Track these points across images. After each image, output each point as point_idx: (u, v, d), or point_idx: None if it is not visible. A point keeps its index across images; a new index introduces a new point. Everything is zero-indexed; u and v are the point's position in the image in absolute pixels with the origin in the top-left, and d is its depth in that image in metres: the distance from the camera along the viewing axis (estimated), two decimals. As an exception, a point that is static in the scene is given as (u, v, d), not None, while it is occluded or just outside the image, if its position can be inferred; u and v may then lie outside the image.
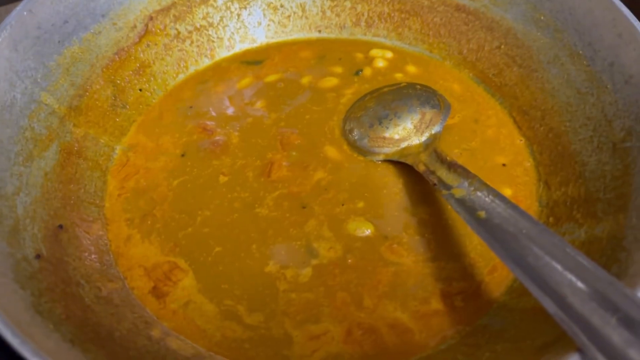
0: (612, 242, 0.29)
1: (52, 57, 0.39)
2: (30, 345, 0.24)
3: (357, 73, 0.45)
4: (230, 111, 0.43)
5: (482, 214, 0.30)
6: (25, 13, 0.37)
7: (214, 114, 0.43)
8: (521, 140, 0.40)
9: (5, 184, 0.32)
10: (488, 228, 0.29)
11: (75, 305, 0.30)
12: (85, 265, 0.33)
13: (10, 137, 0.34)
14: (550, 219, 0.35)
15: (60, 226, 0.34)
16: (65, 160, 0.37)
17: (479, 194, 0.31)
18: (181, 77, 0.46)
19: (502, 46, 0.43)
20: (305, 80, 0.44)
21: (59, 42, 0.39)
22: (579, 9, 0.38)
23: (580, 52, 0.38)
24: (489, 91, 0.43)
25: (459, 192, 0.32)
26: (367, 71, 0.45)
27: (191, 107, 0.43)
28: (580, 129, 0.37)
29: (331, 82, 0.44)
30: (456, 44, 0.45)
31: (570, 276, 0.24)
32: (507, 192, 0.37)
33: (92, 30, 0.41)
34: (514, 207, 0.29)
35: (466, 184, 0.32)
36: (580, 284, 0.23)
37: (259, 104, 0.43)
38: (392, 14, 0.47)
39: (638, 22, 0.35)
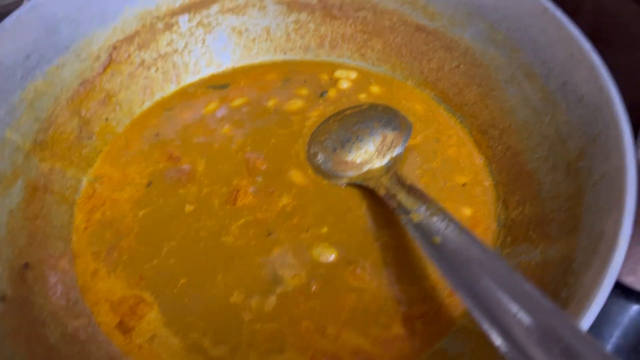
0: (564, 264, 0.30)
1: (16, 92, 0.39)
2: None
3: (322, 95, 0.46)
4: (196, 138, 0.43)
5: (437, 239, 0.30)
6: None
7: (179, 142, 0.43)
8: (481, 159, 0.41)
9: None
10: (442, 254, 0.30)
11: (39, 346, 0.30)
12: (52, 303, 0.34)
13: (-28, 178, 0.35)
14: (508, 239, 0.36)
15: (26, 265, 0.34)
16: (31, 196, 0.38)
17: (434, 218, 0.32)
18: (147, 104, 0.46)
19: (462, 66, 0.43)
20: (271, 103, 0.45)
21: (21, 77, 0.39)
22: (534, 28, 0.39)
23: (536, 71, 0.38)
24: (449, 110, 0.44)
25: (416, 217, 0.33)
26: (332, 92, 0.46)
27: (157, 134, 0.44)
28: (537, 148, 0.37)
29: (296, 104, 0.45)
30: (417, 63, 0.46)
31: (517, 307, 0.25)
32: (467, 211, 0.38)
33: (55, 64, 0.41)
34: (467, 233, 0.30)
35: (423, 208, 0.33)
36: (525, 316, 0.24)
37: (225, 129, 0.44)
38: (355, 35, 0.48)
39: (587, 42, 0.35)
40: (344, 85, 0.46)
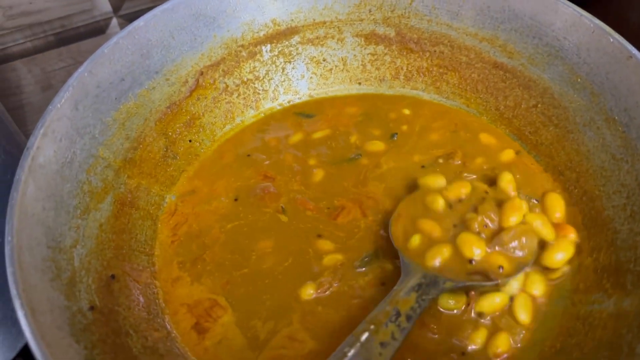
0: (639, 318, 0.30)
1: (110, 113, 0.42)
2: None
3: (392, 137, 0.47)
4: (282, 162, 0.46)
5: None
6: (86, 74, 0.40)
7: (268, 162, 0.45)
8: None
9: (65, 237, 0.35)
10: None
11: (124, 355, 0.32)
12: (134, 314, 0.36)
13: (70, 192, 0.37)
14: (580, 285, 0.36)
15: (113, 276, 0.37)
16: (119, 211, 0.40)
17: None
18: (227, 127, 0.49)
19: (539, 105, 0.43)
20: (352, 139, 0.47)
21: (115, 98, 0.42)
22: (616, 75, 0.38)
23: (616, 117, 0.38)
24: (525, 148, 0.44)
25: None
26: (403, 130, 0.47)
27: (248, 155, 0.46)
28: (614, 195, 0.37)
29: (375, 145, 0.46)
30: (493, 100, 0.46)
31: None
32: (540, 254, 0.38)
33: (146, 87, 0.44)
34: None
35: None
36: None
37: (310, 161, 0.46)
38: (431, 69, 0.49)
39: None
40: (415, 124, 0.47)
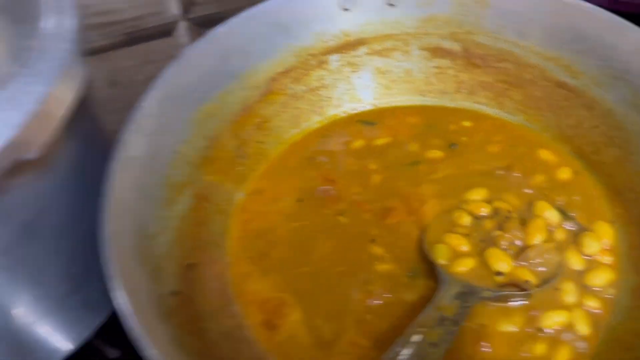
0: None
1: (190, 113, 0.44)
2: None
3: (452, 146, 0.48)
4: (343, 166, 0.48)
5: None
6: (171, 76, 0.43)
7: (330, 166, 0.48)
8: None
9: (151, 226, 0.38)
10: None
11: (204, 339, 0.35)
12: (210, 302, 0.38)
13: (155, 184, 0.40)
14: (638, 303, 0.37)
15: (190, 265, 0.40)
16: (197, 205, 0.43)
17: None
18: (294, 131, 0.51)
19: (601, 126, 0.45)
20: (412, 147, 0.49)
21: (196, 100, 0.45)
22: (681, 100, 0.39)
23: (680, 143, 0.39)
24: (584, 167, 0.45)
25: None
26: (463, 141, 0.49)
27: (312, 158, 0.49)
28: (674, 217, 0.38)
29: (435, 154, 0.48)
30: (555, 118, 0.48)
31: None
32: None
33: (224, 90, 0.47)
34: None
35: None
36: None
37: (371, 165, 0.48)
38: (494, 84, 0.50)
39: None
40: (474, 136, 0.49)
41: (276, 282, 0.41)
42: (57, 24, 0.33)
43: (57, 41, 0.32)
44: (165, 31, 0.71)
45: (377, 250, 0.42)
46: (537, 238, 0.40)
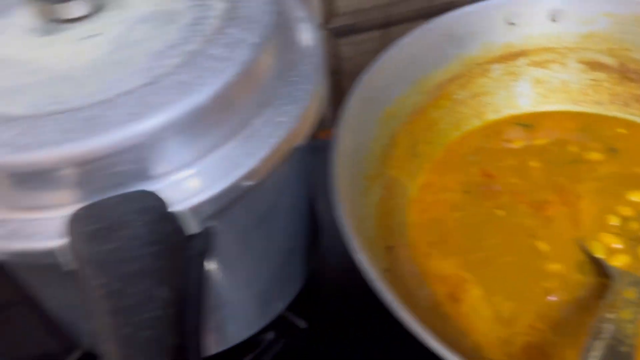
0: None
1: (378, 113, 0.50)
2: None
3: (612, 150, 0.52)
4: (503, 163, 0.53)
5: None
6: (366, 80, 0.49)
7: (490, 163, 0.53)
8: None
9: (360, 212, 0.44)
10: None
11: (416, 309, 0.40)
12: (407, 280, 0.44)
13: (358, 175, 0.46)
14: None
15: (389, 247, 0.45)
16: (384, 195, 0.49)
17: None
18: (456, 133, 0.56)
19: None
20: (571, 148, 0.53)
21: (382, 102, 0.51)
22: None
23: None
24: None
25: None
26: (621, 145, 0.53)
27: (473, 156, 0.54)
28: None
29: (594, 155, 0.52)
30: None
31: None
32: None
33: (402, 94, 0.52)
34: None
35: None
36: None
37: (531, 162, 0.52)
38: (649, 98, 0.54)
39: None
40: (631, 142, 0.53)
41: (456, 263, 0.46)
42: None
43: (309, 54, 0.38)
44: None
45: (541, 245, 0.46)
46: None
